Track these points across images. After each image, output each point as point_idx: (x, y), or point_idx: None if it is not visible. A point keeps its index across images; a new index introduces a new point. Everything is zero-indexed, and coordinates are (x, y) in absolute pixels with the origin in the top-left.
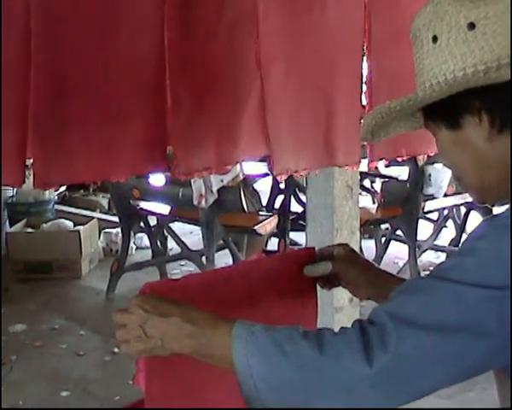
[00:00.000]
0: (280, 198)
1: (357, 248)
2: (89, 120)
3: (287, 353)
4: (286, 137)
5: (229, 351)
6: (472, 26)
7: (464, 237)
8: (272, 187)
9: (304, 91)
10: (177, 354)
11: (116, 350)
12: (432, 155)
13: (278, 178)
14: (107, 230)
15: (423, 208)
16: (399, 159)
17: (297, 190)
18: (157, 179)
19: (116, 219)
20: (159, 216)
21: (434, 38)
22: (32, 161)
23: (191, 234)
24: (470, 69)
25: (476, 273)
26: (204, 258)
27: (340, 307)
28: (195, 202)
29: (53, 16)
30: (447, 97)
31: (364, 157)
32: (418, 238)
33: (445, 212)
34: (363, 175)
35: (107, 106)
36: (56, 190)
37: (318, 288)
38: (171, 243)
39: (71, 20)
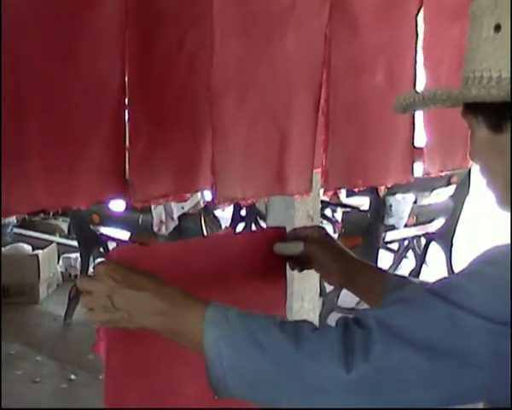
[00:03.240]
0: (241, 226)
1: (317, 279)
2: (49, 146)
3: (261, 344)
4: (234, 165)
5: (200, 334)
6: None
7: (425, 267)
8: (233, 214)
9: (257, 120)
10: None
11: (73, 377)
12: (389, 186)
13: (221, 205)
14: (66, 254)
15: (384, 239)
16: (356, 190)
17: (258, 218)
18: (117, 205)
19: (76, 243)
20: (118, 242)
21: (497, 27)
22: None
23: None
24: None
25: (479, 301)
26: None
27: None
28: (155, 229)
29: (12, 37)
30: None
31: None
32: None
33: (406, 242)
34: (325, 204)
35: (67, 132)
36: None
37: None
38: None
39: (31, 42)
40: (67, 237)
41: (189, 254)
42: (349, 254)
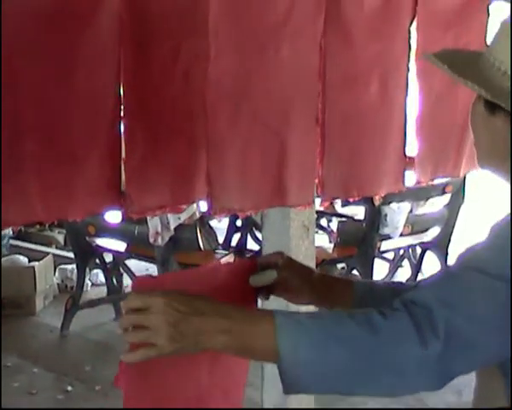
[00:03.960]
0: (237, 236)
1: None
2: (45, 159)
3: (338, 337)
4: (229, 177)
5: (273, 342)
6: None
7: (420, 276)
8: (229, 225)
9: (253, 131)
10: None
11: (69, 389)
12: (382, 195)
13: (216, 216)
14: (62, 266)
15: (379, 248)
16: (351, 199)
17: (254, 229)
18: (113, 216)
19: (72, 255)
20: (114, 253)
21: None
22: None
23: (147, 271)
24: None
25: (507, 270)
26: None
27: None
28: (151, 240)
29: (9, 54)
30: None
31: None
32: (374, 278)
33: (401, 252)
34: (320, 214)
35: (64, 145)
36: None
37: None
38: (126, 281)
39: (28, 59)
40: (63, 248)
41: (189, 284)
42: (316, 271)
